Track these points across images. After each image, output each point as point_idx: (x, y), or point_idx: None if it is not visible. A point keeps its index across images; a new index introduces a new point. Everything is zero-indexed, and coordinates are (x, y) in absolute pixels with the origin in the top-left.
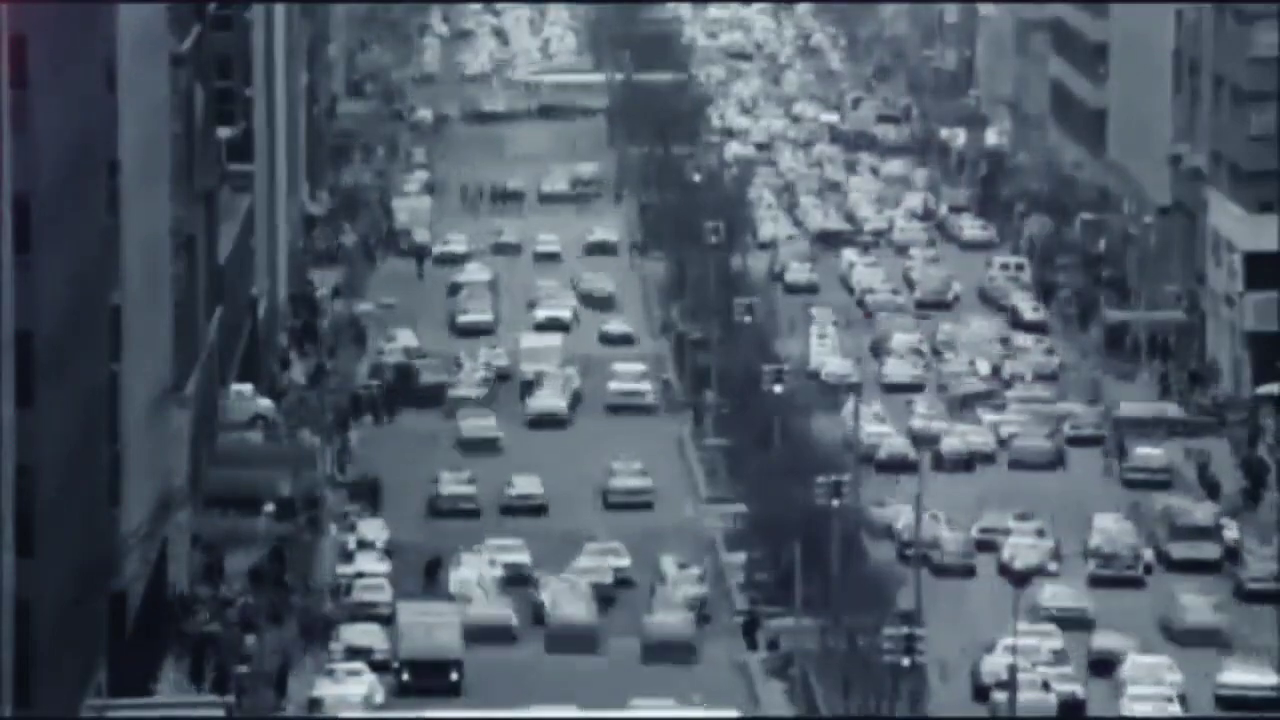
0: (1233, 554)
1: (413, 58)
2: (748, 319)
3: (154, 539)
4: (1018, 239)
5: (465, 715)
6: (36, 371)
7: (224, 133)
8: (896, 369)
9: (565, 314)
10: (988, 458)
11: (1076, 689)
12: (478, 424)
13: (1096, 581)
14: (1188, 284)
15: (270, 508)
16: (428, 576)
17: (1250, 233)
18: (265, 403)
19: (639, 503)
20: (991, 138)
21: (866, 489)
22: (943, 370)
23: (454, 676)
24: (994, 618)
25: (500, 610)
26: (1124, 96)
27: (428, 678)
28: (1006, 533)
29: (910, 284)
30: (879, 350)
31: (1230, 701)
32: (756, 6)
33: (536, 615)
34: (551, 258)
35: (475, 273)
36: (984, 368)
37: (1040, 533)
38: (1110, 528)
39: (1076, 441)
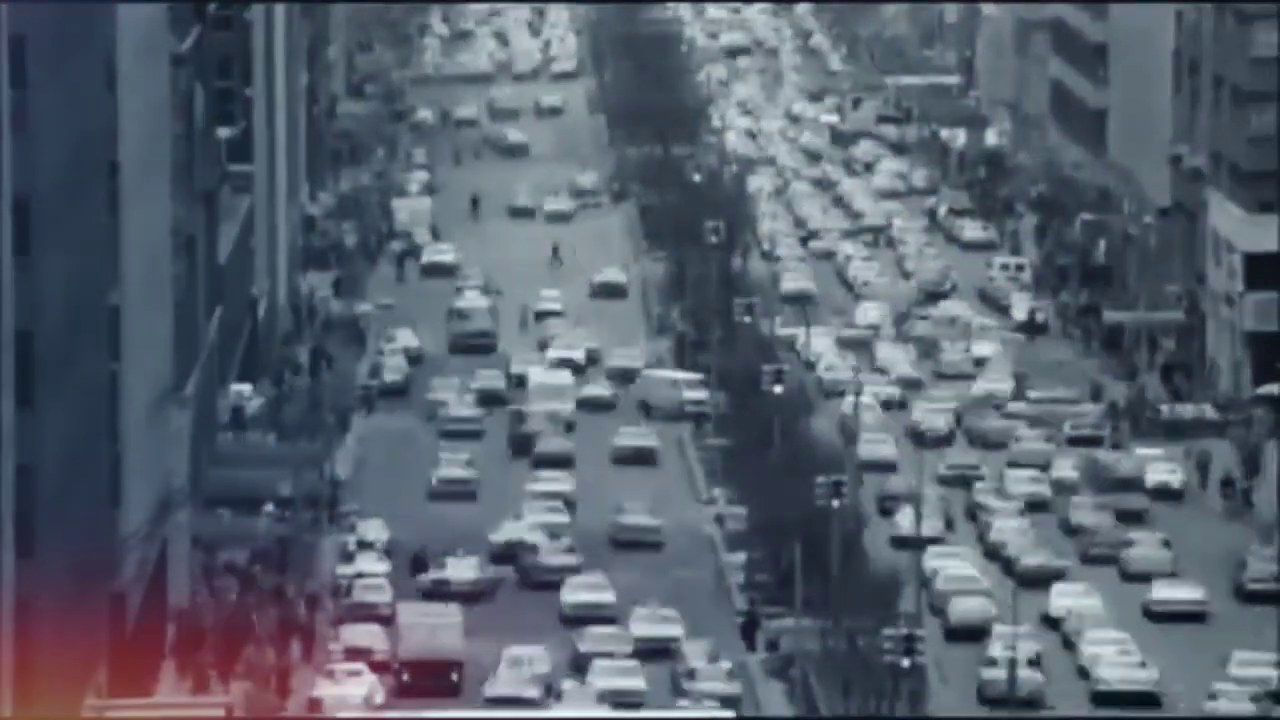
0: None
1: (413, 58)
2: (747, 319)
3: (154, 539)
4: (1017, 239)
5: (465, 715)
6: (36, 371)
7: (224, 133)
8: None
9: (578, 353)
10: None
11: None
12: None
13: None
14: (1188, 284)
15: (270, 508)
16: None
17: (1250, 233)
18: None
19: (649, 542)
20: (991, 138)
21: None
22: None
23: (454, 677)
24: None
25: None
26: (1124, 96)
27: (428, 678)
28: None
29: (905, 275)
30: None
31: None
32: (756, 6)
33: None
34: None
35: (475, 299)
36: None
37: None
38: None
39: (1077, 441)
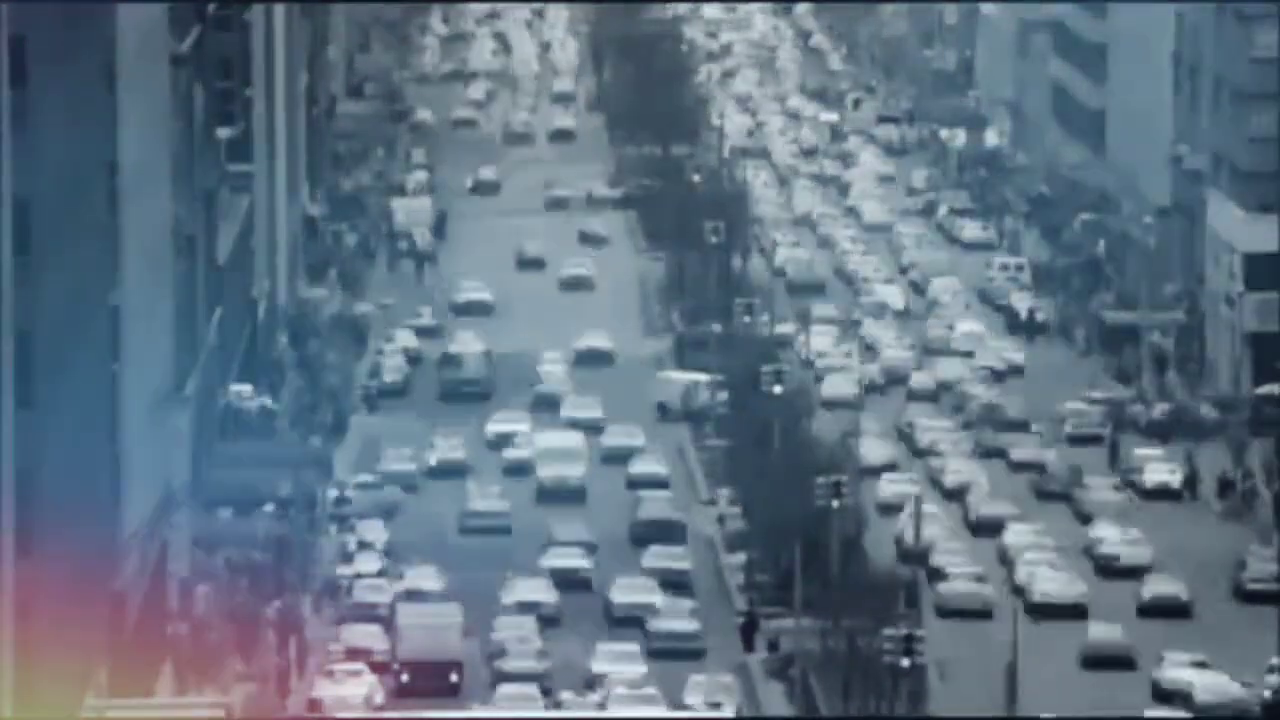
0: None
1: (413, 58)
2: (747, 319)
3: (154, 539)
4: (1017, 239)
5: (465, 715)
6: (36, 371)
7: (224, 133)
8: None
9: (598, 412)
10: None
11: None
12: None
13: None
14: (1188, 284)
15: (270, 508)
16: None
17: (1250, 233)
18: (265, 403)
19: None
20: (991, 138)
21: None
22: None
23: (454, 677)
24: None
25: None
26: (1124, 96)
27: (428, 678)
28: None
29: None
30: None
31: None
32: (756, 6)
33: None
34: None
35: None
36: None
37: None
38: None
39: (1076, 440)
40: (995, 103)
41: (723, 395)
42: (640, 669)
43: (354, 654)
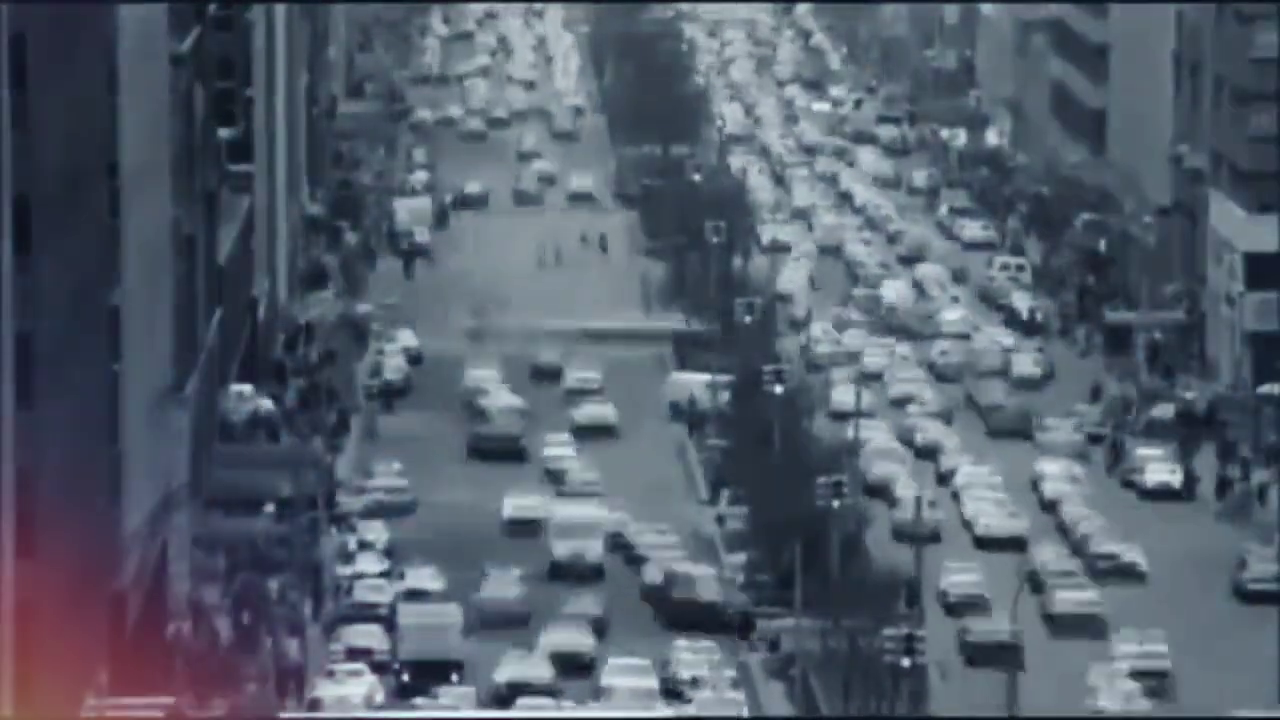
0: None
1: (413, 58)
2: (748, 319)
3: (154, 539)
4: (1018, 239)
5: (465, 715)
6: (36, 371)
7: (224, 133)
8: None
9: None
10: None
11: None
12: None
13: None
14: (1188, 284)
15: (270, 508)
16: None
17: (1250, 233)
18: (266, 403)
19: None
20: (991, 138)
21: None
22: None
23: (454, 677)
24: None
25: None
26: (1124, 96)
27: (428, 678)
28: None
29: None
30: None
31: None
32: (756, 6)
33: None
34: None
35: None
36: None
37: None
38: None
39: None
40: (996, 102)
41: (724, 395)
42: None
43: (354, 654)
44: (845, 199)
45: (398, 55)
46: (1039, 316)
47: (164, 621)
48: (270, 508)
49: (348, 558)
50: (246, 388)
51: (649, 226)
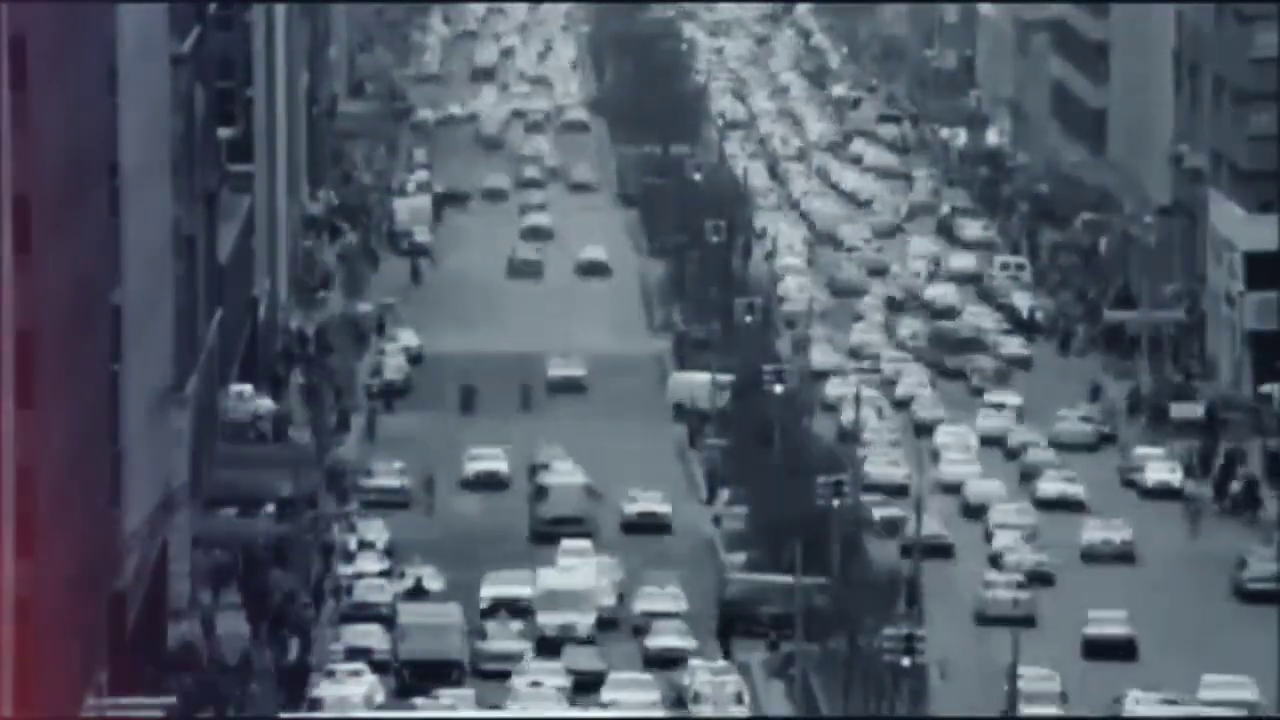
0: None
1: (413, 58)
2: (748, 319)
3: (154, 539)
4: (1018, 239)
5: (465, 715)
6: (36, 371)
7: (224, 133)
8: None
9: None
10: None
11: None
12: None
13: None
14: (1188, 284)
15: (271, 508)
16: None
17: (1250, 233)
18: (266, 403)
19: None
20: (991, 138)
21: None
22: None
23: (454, 677)
24: None
25: None
26: (1124, 96)
27: (428, 678)
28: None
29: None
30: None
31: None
32: (756, 6)
33: None
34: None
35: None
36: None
37: None
38: None
39: (1078, 441)
40: (996, 102)
41: (724, 395)
42: None
43: (354, 654)
44: (844, 196)
45: (398, 55)
46: (1038, 316)
47: (164, 621)
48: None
49: (348, 557)
50: (247, 387)
51: (649, 226)
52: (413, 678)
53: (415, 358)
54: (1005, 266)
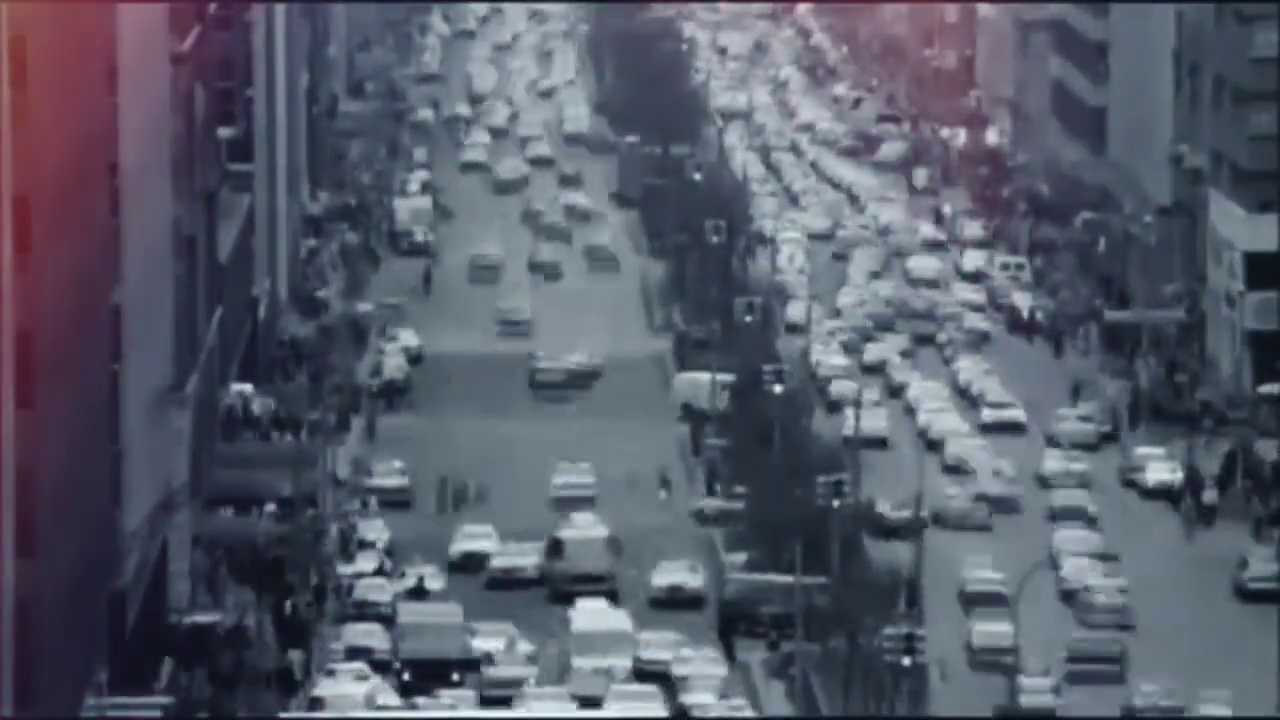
0: None
1: (413, 58)
2: (748, 319)
3: (154, 539)
4: (1018, 239)
5: (465, 715)
6: (36, 371)
7: (224, 133)
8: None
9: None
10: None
11: None
12: None
13: None
14: (1188, 284)
15: (271, 508)
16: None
17: (1250, 232)
18: (266, 403)
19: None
20: (991, 137)
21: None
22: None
23: (454, 677)
24: None
25: None
26: (1124, 96)
27: (428, 678)
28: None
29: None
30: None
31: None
32: (756, 6)
33: None
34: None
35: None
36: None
37: None
38: None
39: (1079, 441)
40: (996, 101)
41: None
42: None
43: (354, 653)
44: (843, 193)
45: (398, 55)
46: (1038, 316)
47: (164, 621)
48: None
49: (348, 557)
50: (247, 387)
51: (649, 226)
52: (413, 678)
53: (415, 358)
54: (1005, 267)
